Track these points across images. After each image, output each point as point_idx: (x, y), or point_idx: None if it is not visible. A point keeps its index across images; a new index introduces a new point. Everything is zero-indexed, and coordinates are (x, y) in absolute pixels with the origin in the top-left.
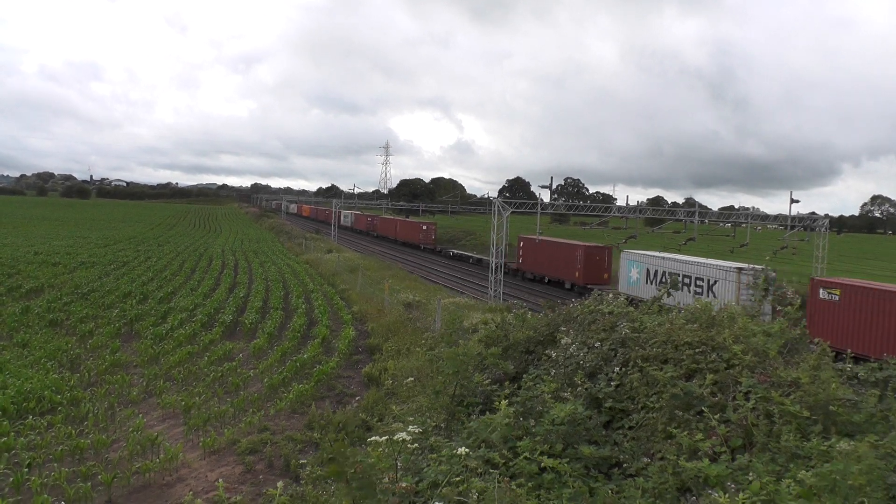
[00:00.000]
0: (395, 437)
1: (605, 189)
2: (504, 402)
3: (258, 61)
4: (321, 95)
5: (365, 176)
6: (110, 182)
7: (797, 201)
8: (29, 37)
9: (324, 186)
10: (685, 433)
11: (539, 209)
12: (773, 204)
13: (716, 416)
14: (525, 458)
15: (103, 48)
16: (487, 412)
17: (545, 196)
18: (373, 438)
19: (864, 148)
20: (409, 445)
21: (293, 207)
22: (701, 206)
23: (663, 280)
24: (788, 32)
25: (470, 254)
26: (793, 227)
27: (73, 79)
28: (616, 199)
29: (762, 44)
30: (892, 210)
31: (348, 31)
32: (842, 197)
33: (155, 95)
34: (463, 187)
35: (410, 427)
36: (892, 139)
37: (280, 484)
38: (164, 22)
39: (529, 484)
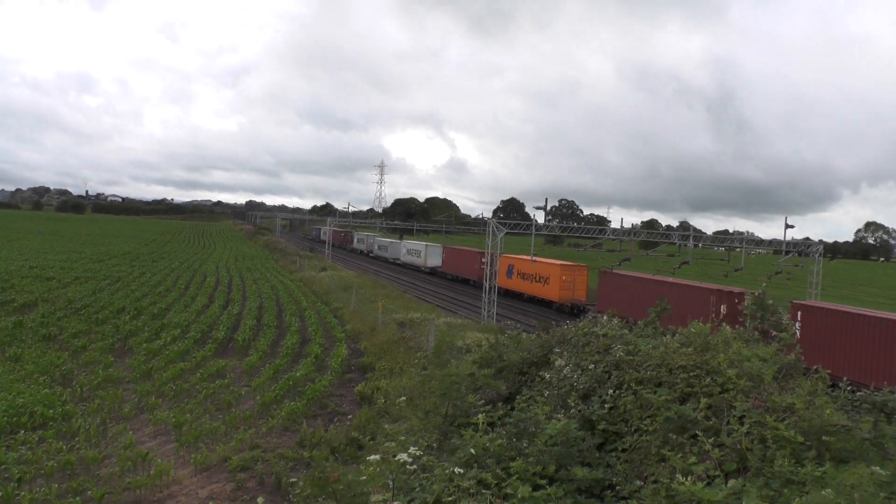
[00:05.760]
0: (396, 458)
1: (600, 211)
2: (482, 416)
3: (247, 74)
4: (312, 111)
5: (358, 194)
6: (106, 197)
7: (792, 226)
8: (21, 47)
9: (318, 204)
10: (679, 456)
11: (533, 230)
12: (769, 229)
13: (710, 440)
14: (518, 478)
15: (93, 59)
16: (480, 433)
17: (540, 217)
18: (371, 457)
19: (865, 174)
20: (409, 467)
21: (410, 250)
22: (696, 229)
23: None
24: (793, 52)
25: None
26: (787, 253)
27: (64, 90)
28: (611, 222)
29: (765, 63)
30: (885, 237)
31: (339, 44)
32: (837, 223)
33: (145, 108)
34: (457, 207)
35: (411, 448)
36: (894, 166)
37: (260, 499)
38: (154, 33)
39: None
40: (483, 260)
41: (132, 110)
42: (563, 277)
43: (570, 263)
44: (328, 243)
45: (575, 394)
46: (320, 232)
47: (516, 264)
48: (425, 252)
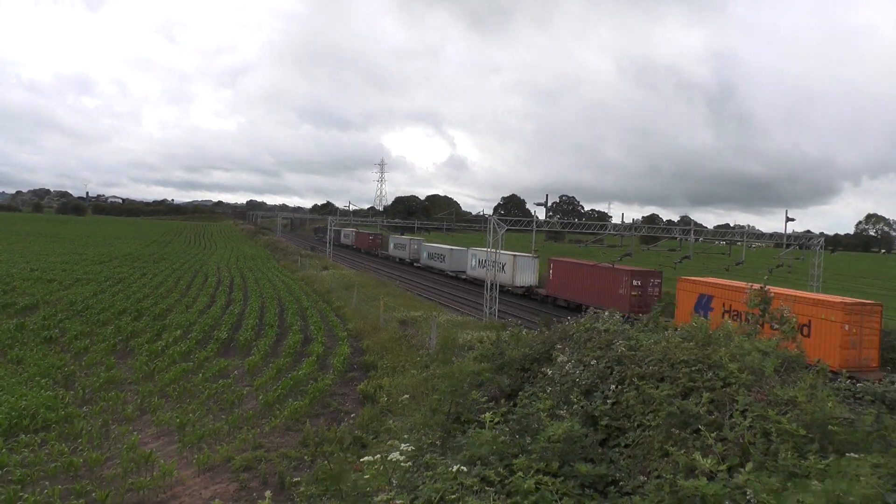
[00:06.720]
0: (389, 457)
1: (601, 207)
2: (489, 414)
3: (245, 73)
4: (312, 110)
5: (358, 192)
6: (106, 199)
7: (793, 219)
8: (18, 49)
9: (319, 203)
10: (682, 451)
11: (534, 227)
12: (770, 222)
13: (712, 435)
14: (521, 475)
15: (91, 60)
16: (487, 429)
17: (540, 213)
18: (366, 458)
19: (866, 166)
20: (402, 464)
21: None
22: (696, 224)
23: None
24: (793, 45)
25: None
26: (788, 246)
27: (62, 92)
28: (612, 217)
29: (766, 57)
30: (886, 229)
31: (338, 42)
32: (838, 215)
33: (143, 109)
34: (458, 204)
35: (403, 446)
36: (895, 157)
37: (268, 493)
38: (152, 34)
39: (525, 502)
40: (637, 282)
41: (131, 111)
42: (846, 327)
43: (853, 301)
44: (329, 241)
45: (577, 390)
46: (340, 234)
47: (718, 294)
48: (513, 265)
